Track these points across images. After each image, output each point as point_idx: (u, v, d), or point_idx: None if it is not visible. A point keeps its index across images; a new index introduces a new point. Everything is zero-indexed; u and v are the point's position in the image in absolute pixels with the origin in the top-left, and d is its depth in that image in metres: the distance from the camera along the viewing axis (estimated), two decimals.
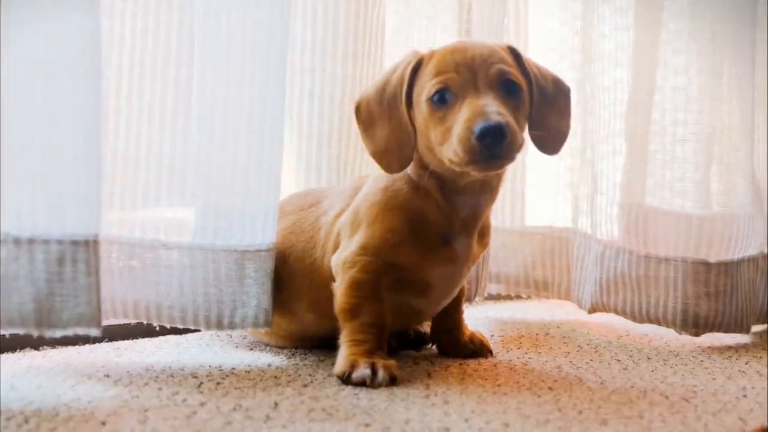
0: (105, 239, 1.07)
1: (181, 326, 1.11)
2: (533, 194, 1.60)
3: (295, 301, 1.13)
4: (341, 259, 1.06)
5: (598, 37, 1.44)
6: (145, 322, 1.11)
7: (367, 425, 0.84)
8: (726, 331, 1.34)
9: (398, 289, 1.08)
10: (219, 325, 1.10)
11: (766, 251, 1.42)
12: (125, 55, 1.10)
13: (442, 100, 1.00)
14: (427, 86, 1.01)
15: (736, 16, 1.38)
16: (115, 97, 1.10)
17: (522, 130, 1.01)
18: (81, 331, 0.94)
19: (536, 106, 1.05)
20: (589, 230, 1.44)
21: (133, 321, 1.11)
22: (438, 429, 0.83)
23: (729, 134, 1.41)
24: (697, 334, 1.34)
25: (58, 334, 0.94)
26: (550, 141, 1.08)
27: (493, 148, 0.95)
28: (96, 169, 0.96)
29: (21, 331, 0.94)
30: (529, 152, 1.58)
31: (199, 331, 1.25)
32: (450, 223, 1.06)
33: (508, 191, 1.55)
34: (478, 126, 0.94)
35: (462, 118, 0.97)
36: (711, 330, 1.33)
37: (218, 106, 1.08)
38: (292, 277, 1.13)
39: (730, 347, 1.31)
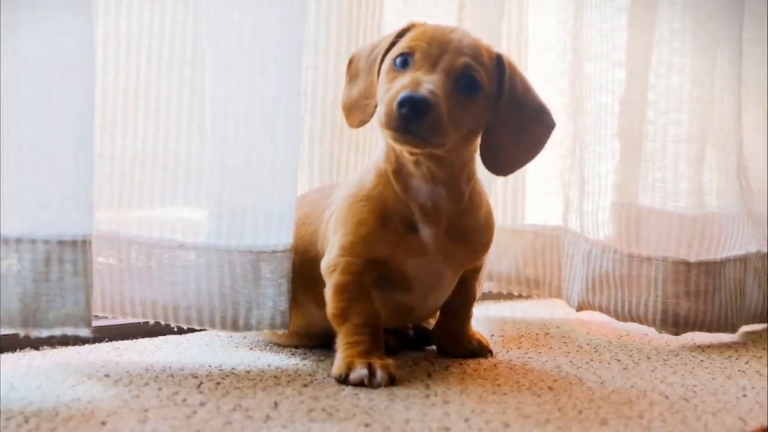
0: (124, 239, 1.08)
1: (197, 327, 1.11)
2: (529, 193, 1.60)
3: (302, 291, 1.13)
4: (325, 264, 1.07)
5: (593, 36, 1.43)
6: (162, 322, 1.11)
7: (367, 425, 0.84)
8: (709, 331, 1.34)
9: (383, 286, 1.08)
10: (235, 327, 1.10)
11: (764, 251, 1.42)
12: (143, 54, 1.11)
13: (404, 63, 1.01)
14: (396, 48, 1.03)
15: (728, 15, 1.38)
16: (133, 97, 1.10)
17: (458, 126, 1.00)
18: (69, 331, 0.94)
19: (499, 120, 1.04)
20: (577, 229, 1.44)
21: (152, 321, 1.12)
22: (438, 429, 0.83)
23: (717, 134, 1.41)
24: (677, 333, 1.34)
25: (45, 333, 0.94)
26: (503, 161, 1.07)
27: (408, 120, 0.95)
28: (87, 169, 0.96)
29: (7, 331, 0.94)
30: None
31: (200, 330, 1.25)
32: (409, 208, 1.06)
33: (500, 190, 1.55)
34: (403, 93, 0.95)
35: (398, 84, 0.98)
36: (692, 329, 1.33)
37: (232, 104, 1.09)
38: (300, 268, 1.13)
39: (730, 347, 1.31)
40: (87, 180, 0.96)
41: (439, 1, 1.46)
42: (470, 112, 1.01)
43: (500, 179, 1.54)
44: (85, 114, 0.96)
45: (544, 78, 1.56)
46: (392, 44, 1.05)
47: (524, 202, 1.58)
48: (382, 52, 1.06)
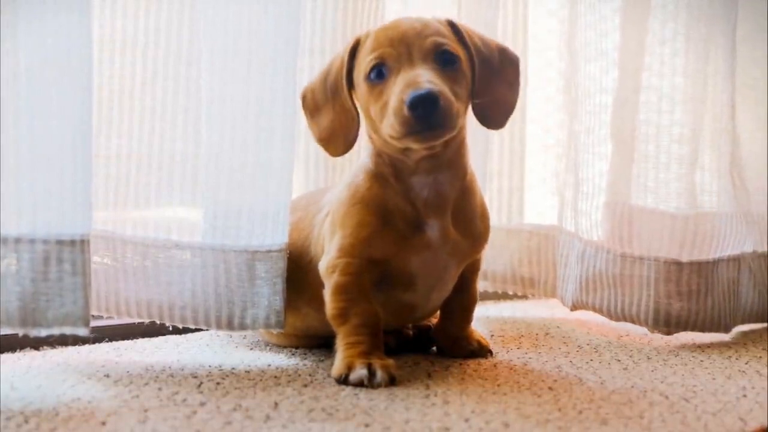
0: (120, 239, 1.09)
1: (193, 326, 1.12)
2: (525, 193, 1.60)
3: (298, 296, 1.13)
4: (324, 265, 1.07)
5: (590, 37, 1.43)
6: (158, 322, 1.11)
7: (367, 425, 0.84)
8: (701, 331, 1.34)
9: (385, 286, 1.08)
10: (230, 326, 1.10)
11: (760, 251, 1.42)
12: (138, 55, 1.11)
13: (380, 75, 1.01)
14: (363, 64, 1.02)
15: (721, 13, 1.38)
16: (128, 97, 1.11)
17: (461, 100, 1.01)
18: (68, 330, 0.95)
19: (480, 77, 1.06)
20: (572, 228, 1.44)
21: (147, 320, 1.12)
22: (438, 429, 0.83)
23: (711, 133, 1.41)
24: (669, 333, 1.34)
25: (44, 333, 0.94)
26: (496, 112, 1.08)
27: (426, 117, 0.95)
28: (85, 169, 0.96)
29: (6, 330, 0.95)
30: (528, 153, 1.59)
31: (199, 330, 1.25)
32: (414, 207, 1.06)
33: (495, 190, 1.55)
34: (408, 96, 0.95)
35: (396, 90, 0.97)
36: (684, 329, 1.33)
37: (227, 103, 1.09)
38: (295, 273, 1.13)
39: (730, 347, 1.31)
40: (85, 179, 0.96)
41: (437, 2, 1.46)
42: (462, 83, 1.02)
43: (495, 179, 1.54)
44: (84, 114, 0.96)
45: (543, 78, 1.57)
46: (349, 64, 1.05)
47: (521, 202, 1.58)
48: (343, 76, 1.05)
